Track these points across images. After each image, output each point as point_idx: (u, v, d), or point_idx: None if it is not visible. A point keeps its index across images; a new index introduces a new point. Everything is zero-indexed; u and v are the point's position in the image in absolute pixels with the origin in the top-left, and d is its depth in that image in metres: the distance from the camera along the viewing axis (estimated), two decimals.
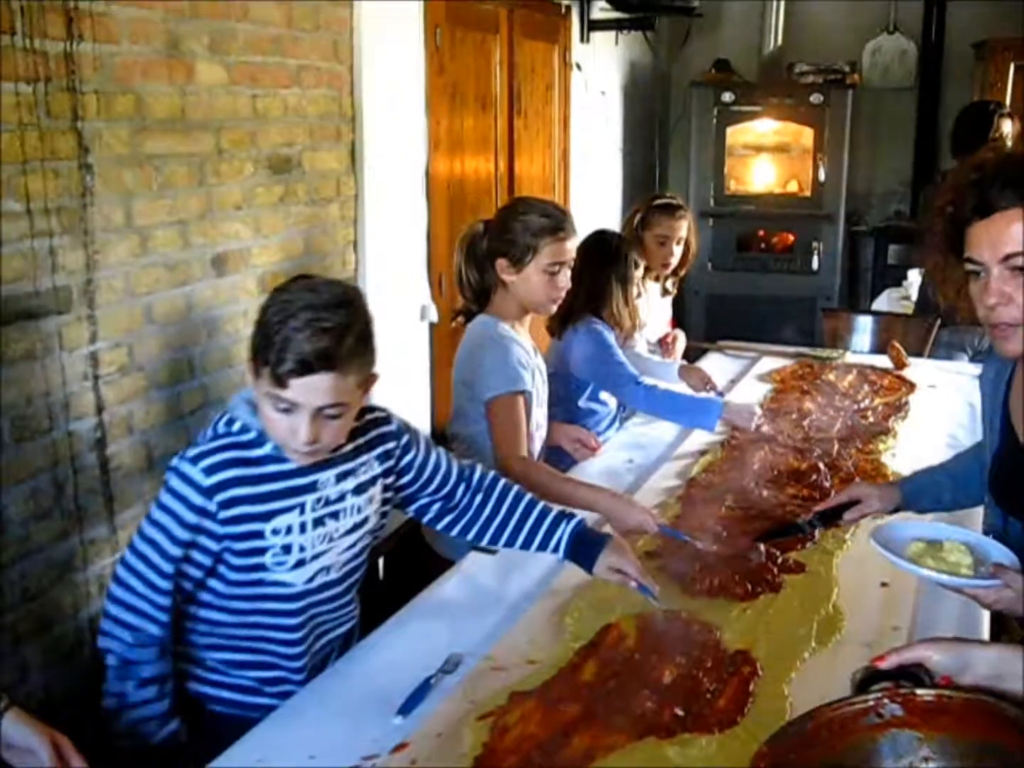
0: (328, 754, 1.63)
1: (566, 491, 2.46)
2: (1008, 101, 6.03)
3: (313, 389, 1.75)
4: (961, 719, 1.26)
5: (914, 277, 5.66)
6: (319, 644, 2.04)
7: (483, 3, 4.70)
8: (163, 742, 1.88)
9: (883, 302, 5.88)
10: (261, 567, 1.88)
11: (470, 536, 2.21)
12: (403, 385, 3.94)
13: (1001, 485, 1.96)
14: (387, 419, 2.07)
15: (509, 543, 2.18)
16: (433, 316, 4.31)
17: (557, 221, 2.66)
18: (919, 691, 1.29)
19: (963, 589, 1.77)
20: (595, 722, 1.67)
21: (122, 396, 2.70)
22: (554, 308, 2.78)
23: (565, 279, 2.70)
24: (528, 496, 2.19)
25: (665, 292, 3.93)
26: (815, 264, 6.84)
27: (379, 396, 2.11)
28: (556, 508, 2.17)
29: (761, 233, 7.04)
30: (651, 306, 3.79)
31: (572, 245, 2.69)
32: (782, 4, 6.89)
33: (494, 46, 4.83)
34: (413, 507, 2.18)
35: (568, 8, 5.67)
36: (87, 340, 2.58)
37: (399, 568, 2.62)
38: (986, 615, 2.07)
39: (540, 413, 2.82)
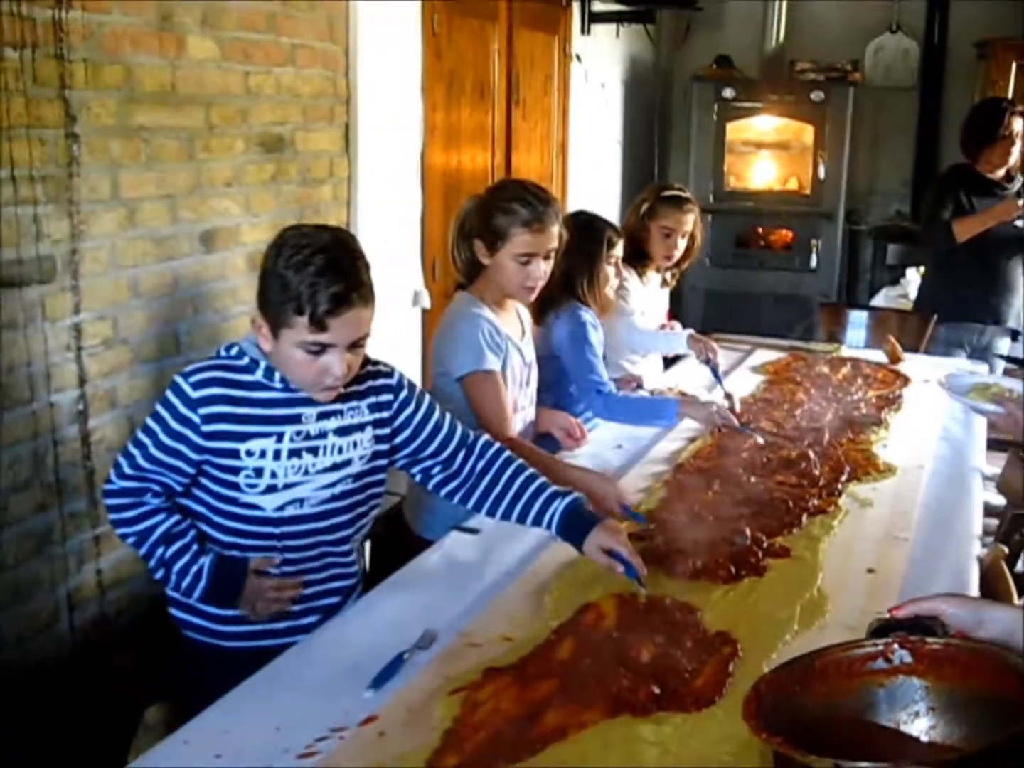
0: (295, 726, 1.59)
1: (550, 470, 2.44)
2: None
3: (349, 323, 1.86)
4: (967, 668, 1.29)
5: (912, 275, 5.65)
6: (304, 592, 2.07)
7: None
8: (211, 576, 1.98)
9: (880, 300, 5.86)
10: (236, 486, 1.97)
11: (469, 504, 2.21)
12: None
13: None
14: (389, 373, 2.13)
15: (505, 515, 2.17)
16: (426, 302, 4.28)
17: (534, 212, 2.55)
18: (929, 639, 1.32)
19: (980, 409, 3.09)
20: (569, 699, 1.63)
21: (105, 369, 2.67)
22: (531, 297, 2.71)
23: (539, 270, 2.61)
24: (529, 470, 2.18)
25: (664, 283, 3.89)
26: (813, 262, 6.82)
27: None
28: (553, 485, 2.15)
29: (760, 230, 7.03)
30: (651, 296, 3.76)
31: (548, 237, 2.59)
32: (784, 2, 6.88)
33: (492, 35, 4.80)
34: (417, 469, 2.21)
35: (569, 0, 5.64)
36: (70, 311, 2.55)
37: (385, 551, 2.61)
38: None
39: (521, 395, 2.78)
